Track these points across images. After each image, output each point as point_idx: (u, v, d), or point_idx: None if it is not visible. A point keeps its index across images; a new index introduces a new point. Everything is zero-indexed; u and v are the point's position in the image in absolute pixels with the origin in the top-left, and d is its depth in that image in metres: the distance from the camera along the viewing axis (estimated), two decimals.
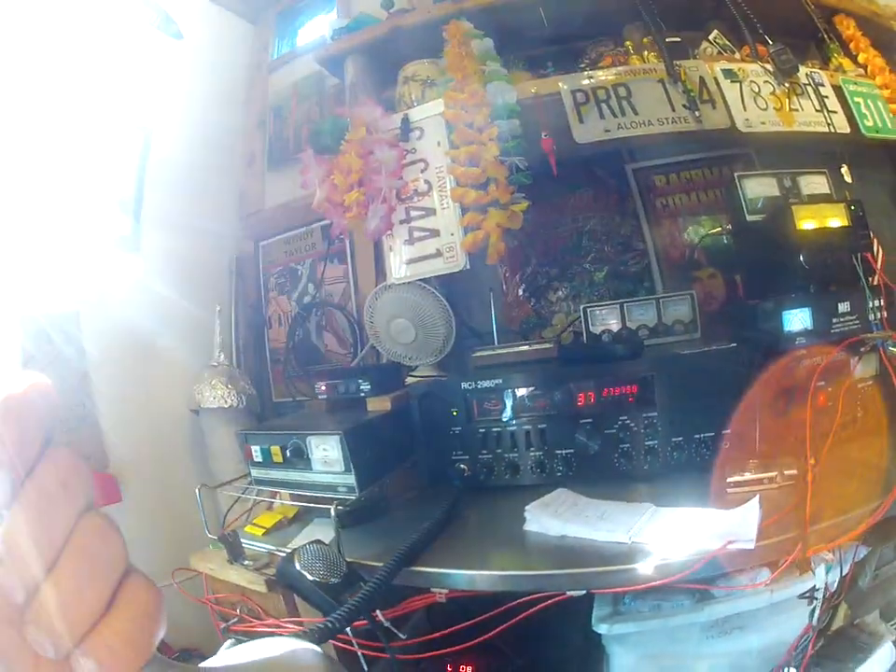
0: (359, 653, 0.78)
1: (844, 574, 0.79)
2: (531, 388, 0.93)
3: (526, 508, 0.82)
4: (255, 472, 0.96)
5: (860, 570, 0.84)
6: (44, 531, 0.21)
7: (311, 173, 1.14)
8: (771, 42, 1.25)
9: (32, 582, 0.21)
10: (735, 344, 0.95)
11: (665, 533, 0.72)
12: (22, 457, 0.21)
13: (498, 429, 0.93)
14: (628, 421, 0.90)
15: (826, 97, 1.24)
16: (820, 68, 1.32)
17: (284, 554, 0.84)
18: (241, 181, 1.58)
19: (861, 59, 1.37)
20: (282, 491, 0.97)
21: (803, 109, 1.20)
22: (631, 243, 1.36)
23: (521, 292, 1.40)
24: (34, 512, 0.21)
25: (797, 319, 0.97)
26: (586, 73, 1.18)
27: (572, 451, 0.91)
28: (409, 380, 1.18)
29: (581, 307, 1.19)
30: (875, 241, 1.07)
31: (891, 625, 0.89)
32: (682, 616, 0.80)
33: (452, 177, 1.10)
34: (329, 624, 0.63)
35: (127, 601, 0.23)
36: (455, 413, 0.95)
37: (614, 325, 1.15)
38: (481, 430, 0.94)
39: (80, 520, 0.22)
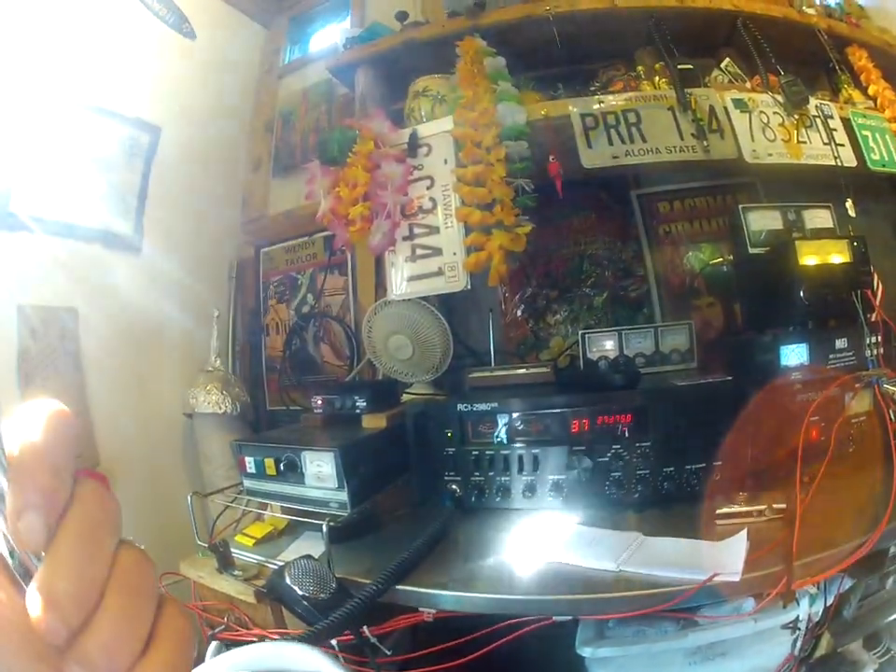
0: None
1: (828, 604, 0.80)
2: (526, 413, 0.94)
3: (515, 532, 0.82)
4: (248, 483, 0.96)
5: (844, 601, 0.84)
6: (84, 571, 0.21)
7: (317, 183, 1.13)
8: (782, 72, 1.25)
9: (75, 623, 0.20)
10: (730, 378, 0.95)
11: (652, 562, 0.72)
12: (55, 499, 0.21)
13: (492, 452, 0.93)
14: (621, 450, 0.90)
15: (834, 130, 1.23)
16: (830, 99, 1.32)
17: (273, 567, 0.85)
18: (245, 185, 1.57)
19: (871, 91, 1.36)
20: (273, 503, 0.97)
21: (811, 142, 1.20)
22: (631, 268, 1.35)
23: (519, 313, 1.40)
24: (71, 554, 0.21)
25: (794, 354, 0.98)
26: (596, 97, 1.17)
27: (564, 477, 0.92)
28: (404, 397, 1.18)
29: (580, 333, 1.19)
30: (876, 276, 1.07)
31: (874, 654, 0.89)
32: (666, 642, 0.81)
33: (457, 196, 1.09)
34: (315, 631, 0.63)
35: (167, 631, 0.23)
36: (449, 435, 0.95)
37: (611, 352, 1.16)
38: (474, 453, 0.94)
39: (118, 556, 0.22)
